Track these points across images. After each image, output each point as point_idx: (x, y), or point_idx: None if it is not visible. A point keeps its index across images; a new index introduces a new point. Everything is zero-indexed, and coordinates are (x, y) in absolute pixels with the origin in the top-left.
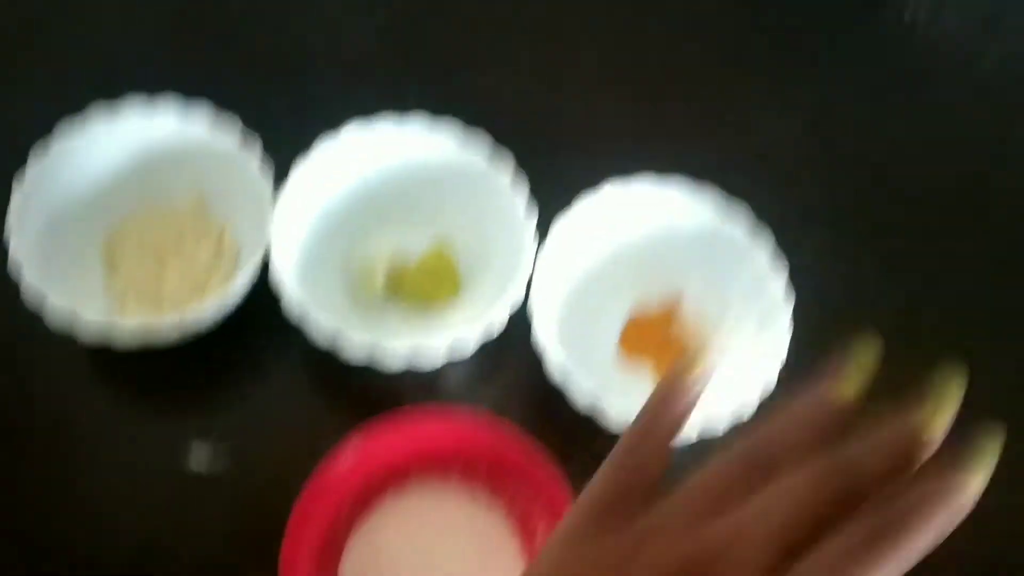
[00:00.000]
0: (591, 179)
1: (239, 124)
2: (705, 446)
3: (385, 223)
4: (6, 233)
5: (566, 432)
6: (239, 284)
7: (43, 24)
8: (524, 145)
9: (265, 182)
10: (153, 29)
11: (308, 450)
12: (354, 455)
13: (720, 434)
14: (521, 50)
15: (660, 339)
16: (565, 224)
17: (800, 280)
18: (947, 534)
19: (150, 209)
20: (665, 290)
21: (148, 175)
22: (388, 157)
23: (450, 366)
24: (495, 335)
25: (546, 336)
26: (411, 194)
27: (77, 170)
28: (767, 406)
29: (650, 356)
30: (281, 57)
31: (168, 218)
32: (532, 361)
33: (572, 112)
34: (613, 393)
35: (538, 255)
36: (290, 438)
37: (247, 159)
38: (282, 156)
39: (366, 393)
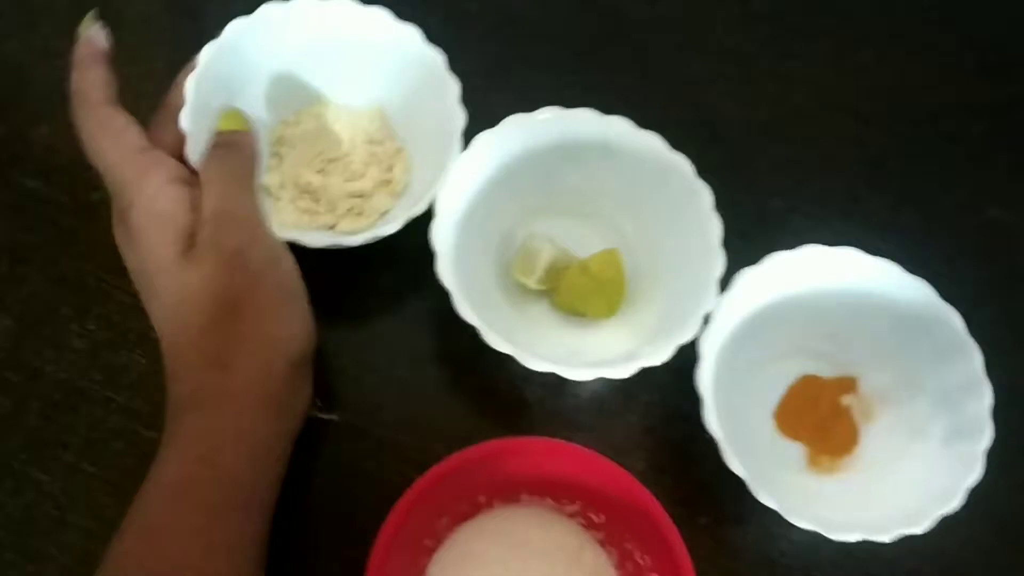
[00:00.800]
0: (789, 238)
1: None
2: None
3: (557, 210)
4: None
5: (697, 486)
6: (396, 220)
7: None
8: (728, 183)
9: (456, 125)
10: None
11: (420, 431)
12: (470, 460)
13: (887, 541)
14: (742, 82)
15: (819, 421)
16: (753, 277)
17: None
18: None
19: (329, 108)
20: (841, 371)
21: (331, 73)
22: (578, 145)
23: (588, 385)
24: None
25: (706, 384)
26: (592, 188)
27: (251, 59)
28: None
29: (805, 436)
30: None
31: (346, 122)
32: (675, 403)
33: (782, 162)
34: (760, 463)
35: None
36: (406, 410)
37: (447, 94)
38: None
39: (496, 383)
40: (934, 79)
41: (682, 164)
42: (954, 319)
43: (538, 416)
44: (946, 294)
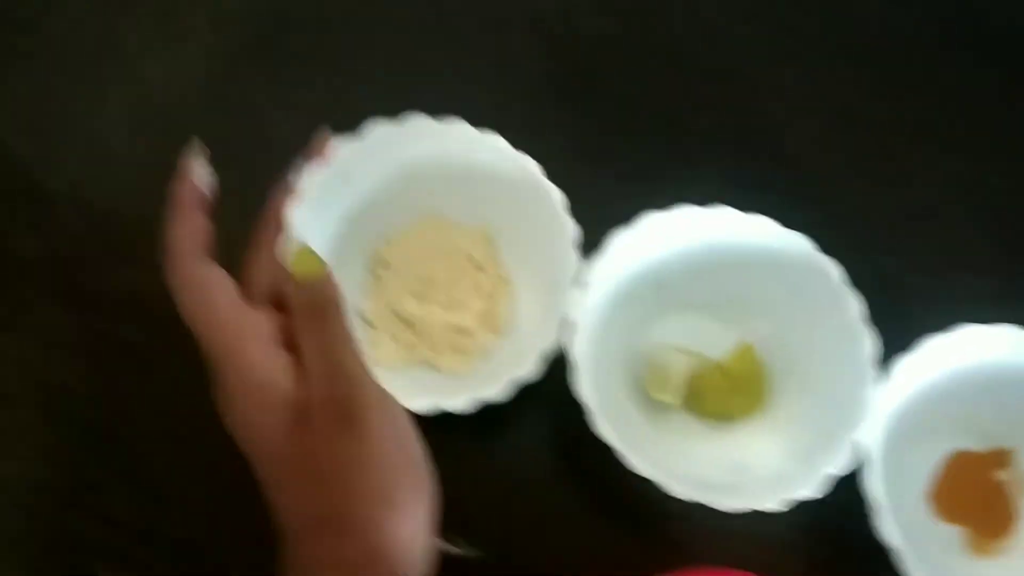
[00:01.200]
0: (940, 318)
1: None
2: None
3: (676, 311)
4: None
5: None
6: (522, 374)
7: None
8: (866, 264)
9: (572, 246)
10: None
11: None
12: None
13: None
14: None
15: (978, 500)
16: (909, 365)
17: None
18: None
19: (430, 227)
20: (992, 443)
21: (434, 192)
22: (712, 244)
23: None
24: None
25: (878, 490)
26: (712, 281)
27: (355, 180)
28: None
29: (965, 518)
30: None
31: (448, 242)
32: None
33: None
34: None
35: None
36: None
37: (557, 215)
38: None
39: (636, 503)
40: None
41: (829, 268)
42: None
43: (684, 533)
44: None
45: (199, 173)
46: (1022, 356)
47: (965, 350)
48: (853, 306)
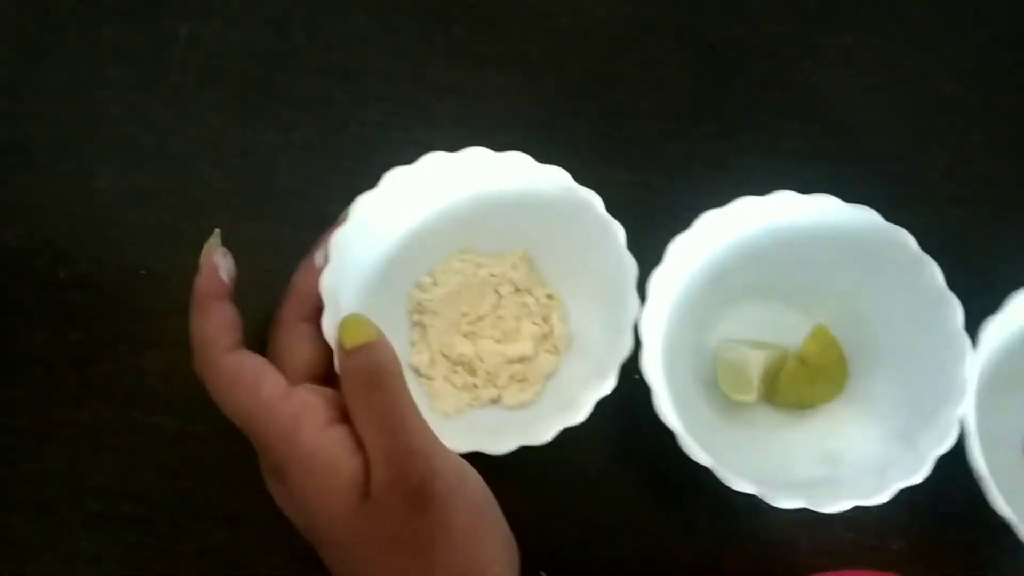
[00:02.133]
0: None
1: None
2: None
3: (745, 304)
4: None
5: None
6: (600, 391)
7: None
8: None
9: (623, 250)
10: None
11: None
12: None
13: None
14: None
15: None
16: (998, 326)
17: None
18: None
19: (465, 260)
20: None
21: (464, 223)
22: (778, 229)
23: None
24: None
25: (980, 462)
26: (780, 269)
27: (378, 232)
28: None
29: None
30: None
31: (487, 273)
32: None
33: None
34: None
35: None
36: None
37: (599, 220)
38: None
39: (741, 515)
40: None
41: (904, 237)
42: None
43: (783, 530)
44: None
45: (222, 264)
46: None
47: None
48: (934, 273)
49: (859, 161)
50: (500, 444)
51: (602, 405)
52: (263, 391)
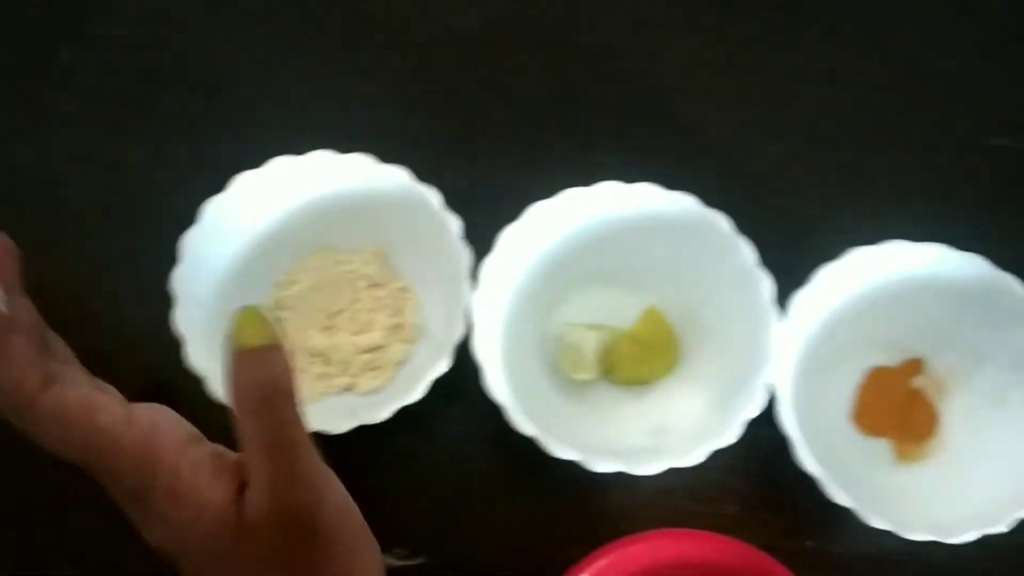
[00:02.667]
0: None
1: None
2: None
3: (582, 289)
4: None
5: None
6: (435, 371)
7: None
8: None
9: (458, 241)
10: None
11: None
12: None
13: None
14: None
15: (896, 409)
16: (806, 297)
17: None
18: None
19: (321, 258)
20: (905, 357)
21: (317, 223)
22: (609, 217)
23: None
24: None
25: (791, 423)
26: (610, 254)
27: (227, 235)
28: None
29: (887, 429)
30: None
31: (342, 270)
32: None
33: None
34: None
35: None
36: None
37: (437, 214)
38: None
39: (581, 495)
40: None
41: (717, 220)
42: (1014, 285)
43: (624, 500)
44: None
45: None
46: (911, 269)
47: (858, 272)
48: (745, 253)
49: (692, 152)
50: (341, 424)
51: (459, 388)
52: (99, 421)
